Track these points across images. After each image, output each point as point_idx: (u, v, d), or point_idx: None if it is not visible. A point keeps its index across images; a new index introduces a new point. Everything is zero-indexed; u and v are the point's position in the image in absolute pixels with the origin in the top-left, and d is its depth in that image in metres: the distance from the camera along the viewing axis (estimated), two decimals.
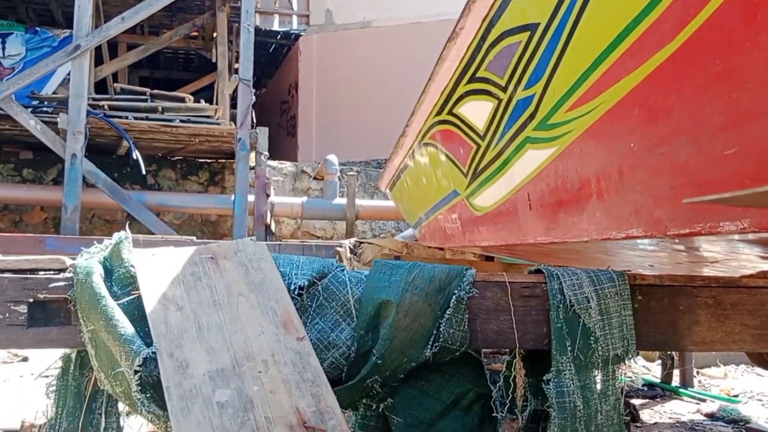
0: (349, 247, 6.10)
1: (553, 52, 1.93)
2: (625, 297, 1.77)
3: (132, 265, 1.52)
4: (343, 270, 1.70)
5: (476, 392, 1.83)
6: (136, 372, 1.32)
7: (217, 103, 9.65)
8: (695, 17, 1.31)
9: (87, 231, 8.11)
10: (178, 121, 7.65)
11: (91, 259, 1.51)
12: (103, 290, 1.42)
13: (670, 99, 1.43)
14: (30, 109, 7.63)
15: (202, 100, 8.41)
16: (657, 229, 1.61)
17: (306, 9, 12.46)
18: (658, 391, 4.49)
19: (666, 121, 1.47)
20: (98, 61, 10.04)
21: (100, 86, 9.80)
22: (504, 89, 2.34)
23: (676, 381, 4.72)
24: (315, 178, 9.21)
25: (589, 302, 1.75)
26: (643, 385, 4.64)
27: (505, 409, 1.82)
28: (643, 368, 5.22)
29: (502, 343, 1.76)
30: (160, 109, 7.71)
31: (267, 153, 8.05)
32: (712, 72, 1.30)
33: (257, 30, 11.92)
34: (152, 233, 7.36)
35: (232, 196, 7.65)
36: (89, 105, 7.36)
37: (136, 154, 7.23)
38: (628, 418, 3.92)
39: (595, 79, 1.73)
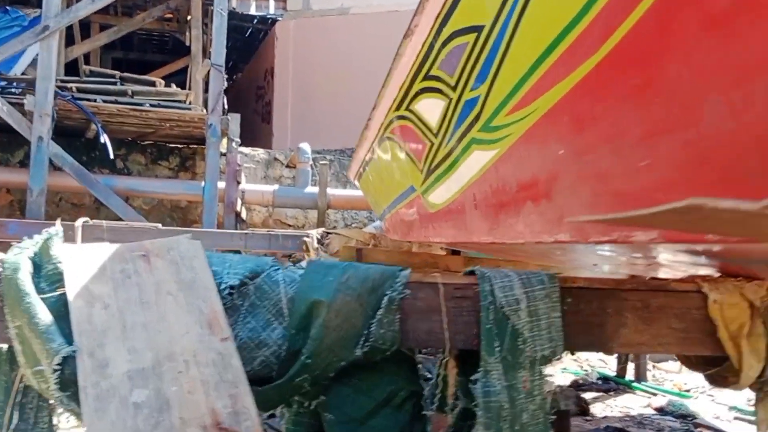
0: (317, 237, 6.12)
1: (495, 54, 1.96)
2: (554, 299, 1.81)
3: (60, 262, 1.53)
4: (277, 270, 1.72)
5: (408, 390, 1.86)
6: (54, 370, 1.34)
7: (190, 88, 9.58)
8: (615, 32, 1.34)
9: (54, 214, 8.02)
10: (148, 105, 7.58)
11: (20, 255, 1.51)
12: (28, 287, 1.43)
13: (592, 109, 1.46)
14: None
15: (174, 85, 8.33)
16: (581, 236, 1.65)
17: None
18: (612, 385, 4.57)
19: (588, 131, 1.50)
20: (69, 41, 9.92)
21: (72, 67, 9.68)
22: (454, 88, 2.36)
23: (631, 374, 4.81)
24: (288, 166, 9.19)
25: (518, 304, 1.78)
26: (597, 379, 4.72)
27: (435, 407, 1.86)
28: (600, 361, 5.31)
29: (433, 343, 1.79)
30: (129, 92, 7.64)
31: (238, 140, 8.02)
32: (628, 85, 1.33)
33: (233, 14, 11.83)
34: (120, 219, 7.32)
35: (202, 183, 7.62)
36: (57, 87, 7.26)
37: (104, 138, 7.17)
38: (577, 409, 4.00)
39: (531, 84, 1.76)
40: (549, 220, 1.75)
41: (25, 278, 1.44)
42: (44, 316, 1.39)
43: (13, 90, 7.84)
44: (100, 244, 1.65)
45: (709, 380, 1.99)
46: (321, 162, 8.24)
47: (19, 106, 7.13)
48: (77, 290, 1.46)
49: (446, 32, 2.33)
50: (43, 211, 7.18)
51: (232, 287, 1.60)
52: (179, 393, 1.32)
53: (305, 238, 5.94)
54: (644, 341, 1.87)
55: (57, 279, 1.50)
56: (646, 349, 1.87)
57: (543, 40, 1.65)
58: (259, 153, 9.04)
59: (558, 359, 1.84)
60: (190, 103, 8.14)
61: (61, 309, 1.44)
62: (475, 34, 2.10)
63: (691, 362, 2.09)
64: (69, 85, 7.51)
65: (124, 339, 1.38)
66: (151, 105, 7.61)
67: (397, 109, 3.22)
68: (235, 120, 7.91)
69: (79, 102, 7.33)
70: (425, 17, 2.48)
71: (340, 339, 1.66)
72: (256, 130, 12.80)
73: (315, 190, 8.22)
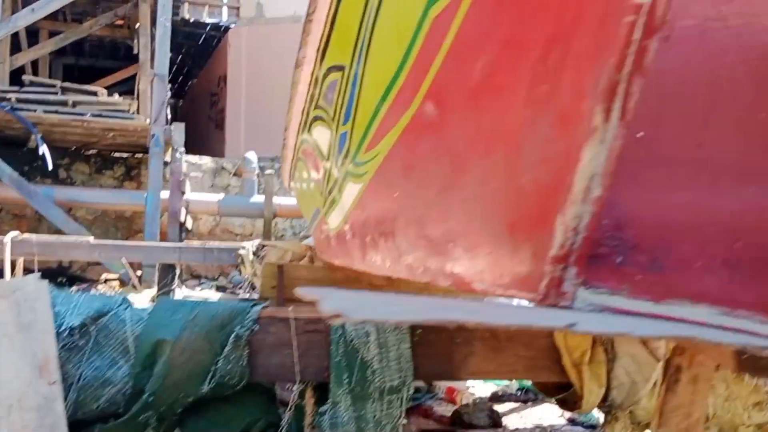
0: (252, 250, 6.14)
1: (354, 94, 2.03)
2: (403, 331, 1.88)
3: None
4: (127, 308, 1.76)
5: (266, 421, 1.92)
6: None
7: (138, 96, 9.54)
8: (417, 94, 1.42)
9: None
10: (89, 115, 7.55)
11: None
12: None
13: (409, 158, 1.54)
14: None
15: (117, 94, 8.29)
16: (412, 274, 1.72)
17: (236, 1, 12.37)
18: (530, 396, 4.67)
19: (407, 178, 1.57)
20: (16, 48, 9.81)
21: (19, 75, 9.57)
22: (333, 120, 2.43)
23: None
24: (235, 175, 9.19)
25: (368, 337, 1.85)
26: (517, 390, 4.81)
27: None
28: None
29: (284, 377, 1.85)
30: (70, 102, 7.59)
31: (183, 149, 8.00)
32: (427, 143, 1.40)
33: (186, 21, 11.80)
34: (60, 230, 7.28)
35: (146, 193, 7.60)
36: None
37: (42, 149, 7.12)
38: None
39: (377, 126, 1.83)
40: (392, 257, 1.82)
41: None
42: None
43: None
44: None
45: (559, 404, 2.08)
46: (267, 171, 8.26)
47: None
48: None
49: (325, 66, 2.40)
50: None
51: (72, 328, 1.64)
52: None
53: (240, 251, 5.95)
54: (493, 369, 1.95)
55: None
56: (494, 377, 1.95)
57: (380, 86, 1.72)
58: (207, 162, 9.03)
59: (408, 389, 1.91)
60: (134, 113, 8.12)
61: None
62: (341, 72, 2.17)
63: (545, 388, 2.18)
64: (8, 95, 7.44)
65: None
66: (93, 115, 7.58)
67: (301, 132, 3.29)
68: (179, 130, 7.89)
69: (17, 113, 7.27)
70: (309, 49, 2.55)
71: (186, 376, 1.71)
72: (210, 136, 12.76)
73: (261, 199, 8.23)
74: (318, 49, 2.40)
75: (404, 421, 1.93)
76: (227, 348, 1.73)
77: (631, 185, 1.00)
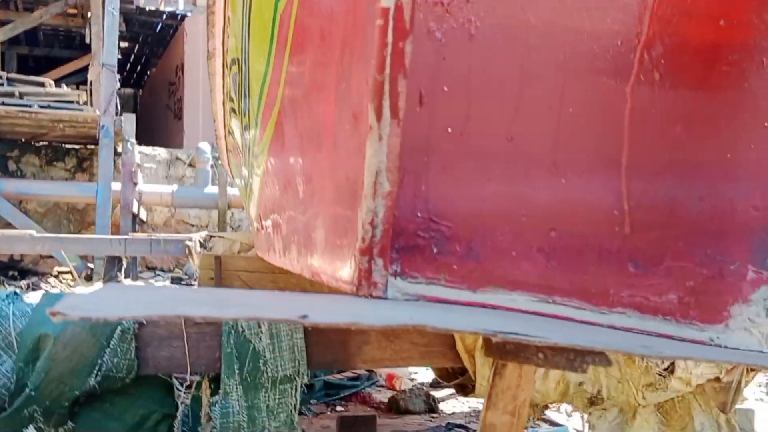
0: (199, 241, 6.10)
1: (246, 87, 2.04)
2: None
3: None
4: (11, 303, 1.76)
5: (161, 413, 1.93)
6: None
7: (90, 87, 9.41)
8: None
9: None
10: (36, 106, 7.44)
11: None
12: None
13: (279, 150, 1.56)
14: None
15: (64, 86, 8.18)
16: (293, 268, 1.74)
17: None
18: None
19: (280, 170, 1.60)
20: None
21: None
22: (239, 112, 2.44)
23: None
24: (190, 165, 9.12)
25: (260, 327, 1.87)
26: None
27: (189, 427, 1.94)
28: None
29: (174, 369, 1.86)
30: (17, 93, 7.47)
31: (134, 140, 7.92)
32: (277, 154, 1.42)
33: (141, 10, 11.64)
34: (9, 223, 7.19)
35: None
36: None
37: None
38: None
39: (261, 118, 1.84)
40: (281, 251, 1.84)
41: None
42: None
43: None
44: None
45: (457, 389, 2.12)
46: (219, 162, 8.21)
47: None
48: None
49: (228, 58, 2.41)
50: None
51: None
52: None
53: (188, 242, 5.92)
54: (388, 357, 1.98)
55: None
56: (390, 364, 1.99)
57: (258, 79, 1.74)
58: (161, 152, 8.95)
59: (302, 378, 1.93)
60: (84, 103, 8.02)
61: None
62: (238, 65, 2.18)
63: (443, 374, 2.22)
64: None
65: None
66: (41, 106, 7.47)
67: (224, 124, 3.29)
68: (129, 120, 7.81)
69: None
70: (217, 41, 2.54)
71: (69, 370, 1.72)
72: (168, 126, 12.64)
73: (215, 190, 8.19)
74: (222, 42, 2.41)
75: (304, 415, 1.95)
76: (113, 341, 1.74)
77: (445, 178, 1.03)
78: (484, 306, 1.05)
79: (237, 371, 1.84)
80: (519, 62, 1.01)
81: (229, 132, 3.25)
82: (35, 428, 1.81)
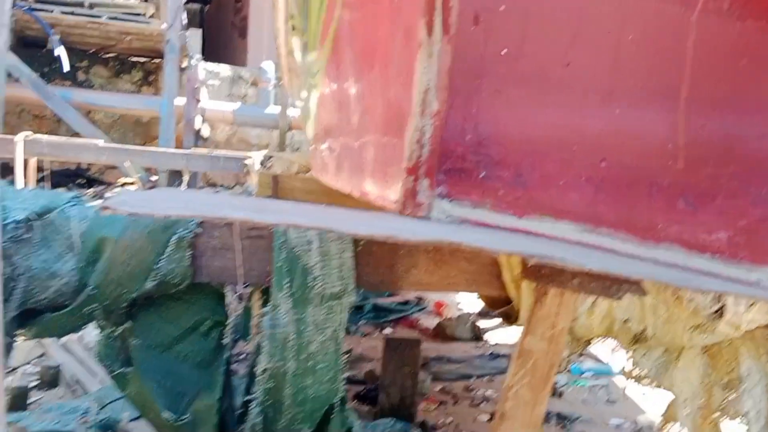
0: (259, 160, 6.20)
1: (307, 5, 2.02)
2: (346, 241, 1.94)
3: None
4: (74, 205, 1.84)
5: (213, 320, 2.02)
6: None
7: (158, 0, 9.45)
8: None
9: (16, 125, 8.09)
10: (106, 17, 7.53)
11: None
12: None
13: (335, 69, 1.55)
14: None
15: None
16: (345, 187, 1.75)
17: None
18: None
19: (336, 87, 1.59)
20: None
21: None
22: (298, 30, 2.43)
23: None
24: (253, 84, 9.17)
25: (310, 244, 1.91)
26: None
27: (239, 336, 2.02)
28: None
29: (226, 278, 1.93)
30: (87, 3, 7.57)
31: (199, 56, 7.97)
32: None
33: None
34: (77, 133, 7.41)
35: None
36: None
37: (57, 50, 7.16)
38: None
39: (319, 34, 1.83)
40: (335, 170, 1.86)
41: None
42: None
43: None
44: None
45: (502, 318, 2.14)
46: (281, 82, 8.22)
47: None
48: None
49: None
50: (1, 122, 7.23)
51: (18, 221, 1.72)
52: None
53: (247, 161, 6.02)
54: (435, 281, 2.00)
55: None
56: (436, 288, 2.01)
57: (315, 5, 1.72)
58: (224, 70, 9.00)
59: (350, 296, 1.98)
60: (151, 17, 8.07)
61: None
62: None
63: (489, 301, 2.24)
64: None
65: None
66: (109, 18, 7.56)
67: (286, 43, 3.28)
68: (195, 35, 7.85)
69: (35, 13, 7.28)
70: None
71: (127, 273, 1.80)
72: (233, 44, 12.66)
73: (276, 110, 8.23)
74: None
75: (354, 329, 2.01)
76: (169, 248, 1.81)
77: (497, 101, 1.02)
78: (528, 233, 1.04)
79: (287, 286, 1.89)
80: None
81: (290, 51, 3.24)
82: (96, 326, 1.92)
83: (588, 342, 2.19)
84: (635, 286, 0.82)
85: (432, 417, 2.88)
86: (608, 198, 1.05)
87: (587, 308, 2.03)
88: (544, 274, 0.97)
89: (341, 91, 1.56)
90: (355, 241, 1.95)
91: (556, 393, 3.22)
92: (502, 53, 0.97)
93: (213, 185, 9.06)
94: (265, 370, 1.90)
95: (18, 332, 1.80)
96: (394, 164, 1.02)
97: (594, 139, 1.04)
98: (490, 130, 1.01)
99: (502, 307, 2.17)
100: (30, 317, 1.82)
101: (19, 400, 2.58)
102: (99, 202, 1.85)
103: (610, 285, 0.84)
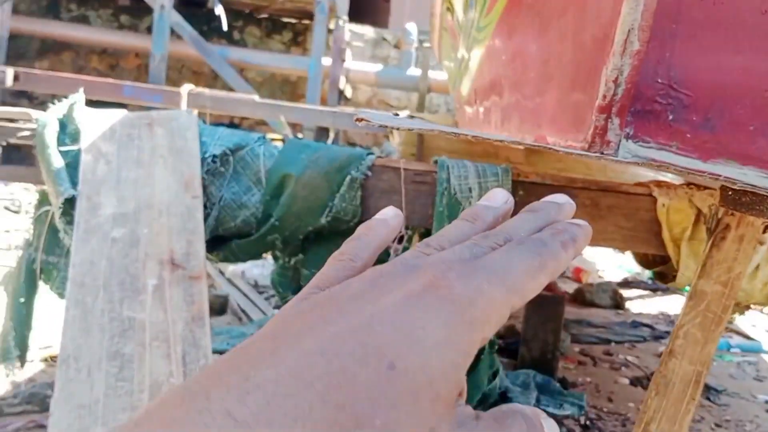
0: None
1: None
2: (505, 189, 2.01)
3: (80, 123, 1.90)
4: (261, 144, 2.02)
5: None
6: (60, 207, 1.73)
7: None
8: None
9: (176, 80, 8.71)
10: None
11: (49, 115, 1.90)
12: (50, 140, 1.81)
13: (512, 18, 1.61)
14: None
15: None
16: (513, 135, 1.81)
17: None
18: (660, 286, 4.66)
19: (512, 38, 1.65)
20: None
21: None
22: None
23: None
24: (395, 47, 9.31)
25: (471, 192, 2.00)
26: (649, 278, 4.81)
27: None
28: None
29: None
30: None
31: (346, 17, 8.20)
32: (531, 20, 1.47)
33: None
34: (231, 89, 7.86)
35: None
36: None
37: (218, 9, 7.60)
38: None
39: None
40: (499, 121, 1.93)
41: (50, 134, 1.83)
42: (58, 164, 1.78)
43: None
44: (118, 112, 2.01)
45: (656, 277, 2.15)
46: (425, 44, 8.30)
47: None
48: (89, 147, 1.83)
49: None
50: (164, 77, 7.79)
51: (215, 156, 1.92)
52: (149, 234, 1.68)
53: None
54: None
55: (77, 137, 1.88)
56: (592, 243, 2.05)
57: None
58: (368, 32, 9.20)
59: None
60: None
61: (74, 161, 1.83)
62: None
63: (644, 259, 2.24)
64: None
65: (116, 189, 1.75)
66: None
67: (443, 0, 3.34)
68: None
69: None
70: None
71: (306, 208, 1.96)
72: (376, 7, 12.84)
73: (417, 72, 8.35)
74: None
75: None
76: (343, 188, 1.96)
77: (691, 46, 1.05)
78: (712, 175, 1.08)
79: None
80: None
81: (448, 8, 3.31)
82: (273, 255, 2.12)
83: (747, 307, 2.15)
84: None
85: (571, 375, 2.93)
86: None
87: (750, 272, 2.00)
88: (743, 203, 1.00)
89: (516, 45, 1.62)
90: (514, 192, 2.02)
91: None
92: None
93: (352, 144, 9.35)
94: None
95: (208, 255, 2.02)
96: (584, 104, 1.08)
97: None
98: (681, 74, 1.05)
99: (656, 266, 2.17)
100: (219, 243, 2.03)
101: None
102: (285, 144, 2.02)
103: None
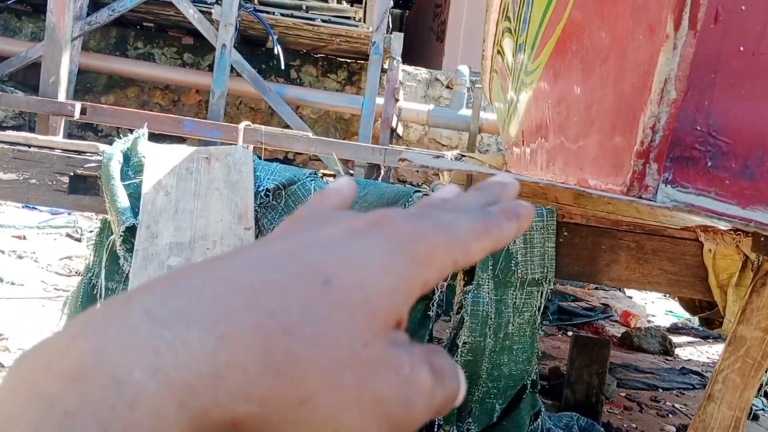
0: (451, 159, 6.41)
1: (530, 2, 2.14)
2: (550, 231, 2.03)
3: (144, 156, 2.01)
4: (312, 180, 2.10)
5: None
6: (120, 236, 1.83)
7: (365, 5, 10.01)
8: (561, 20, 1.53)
9: (234, 116, 8.98)
10: (319, 20, 8.13)
11: (115, 148, 2.01)
12: (114, 172, 1.92)
13: (558, 66, 1.65)
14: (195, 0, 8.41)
15: (345, 2, 8.78)
16: (557, 178, 1.84)
17: None
18: (711, 333, 4.55)
19: (557, 84, 1.69)
20: None
21: None
22: (515, 31, 2.55)
23: None
24: (447, 87, 9.43)
25: None
26: (699, 325, 4.70)
27: (442, 311, 2.19)
28: None
29: None
30: (304, 7, 8.22)
31: (399, 58, 8.36)
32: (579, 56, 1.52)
33: None
34: (288, 125, 8.07)
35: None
36: None
37: (277, 49, 7.85)
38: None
39: (540, 38, 1.94)
40: (545, 164, 1.96)
41: (114, 166, 1.94)
42: (121, 195, 1.88)
43: (208, 0, 8.71)
44: (178, 146, 2.11)
45: (702, 323, 2.13)
46: (477, 85, 8.39)
47: (208, 15, 7.96)
48: (150, 179, 1.93)
49: None
50: (223, 113, 8.04)
51: (268, 190, 2.00)
52: None
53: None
54: (635, 279, 2.04)
55: (139, 169, 1.99)
56: (636, 286, 2.05)
57: (539, 7, 1.83)
58: (421, 72, 9.34)
59: (549, 284, 2.07)
60: (359, 20, 8.59)
61: (136, 192, 1.93)
62: None
63: (690, 305, 2.22)
64: None
65: (174, 219, 1.84)
66: (323, 20, 8.15)
67: (495, 44, 3.41)
68: (397, 39, 8.24)
69: (259, 14, 8.04)
70: None
71: None
72: (430, 47, 13.04)
73: (468, 112, 8.43)
74: None
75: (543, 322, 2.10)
76: None
77: (729, 95, 1.08)
78: (751, 221, 1.10)
79: (490, 267, 2.02)
80: None
81: (498, 51, 3.37)
82: None
83: None
84: None
85: (616, 420, 2.88)
86: None
87: None
88: None
89: (561, 89, 1.67)
90: (558, 233, 2.04)
91: (751, 415, 3.08)
92: (739, 49, 1.03)
93: (403, 182, 9.44)
94: (465, 344, 2.04)
95: None
96: (624, 149, 1.12)
97: None
98: (720, 122, 1.08)
99: (702, 312, 2.15)
100: None
101: None
102: (334, 181, 2.08)
103: None
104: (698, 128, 1.08)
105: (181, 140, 7.40)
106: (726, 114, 1.08)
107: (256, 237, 1.96)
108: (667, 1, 0.91)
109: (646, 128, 1.00)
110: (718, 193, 1.10)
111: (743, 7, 1.02)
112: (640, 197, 1.09)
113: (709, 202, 1.10)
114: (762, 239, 1.05)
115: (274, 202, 2.04)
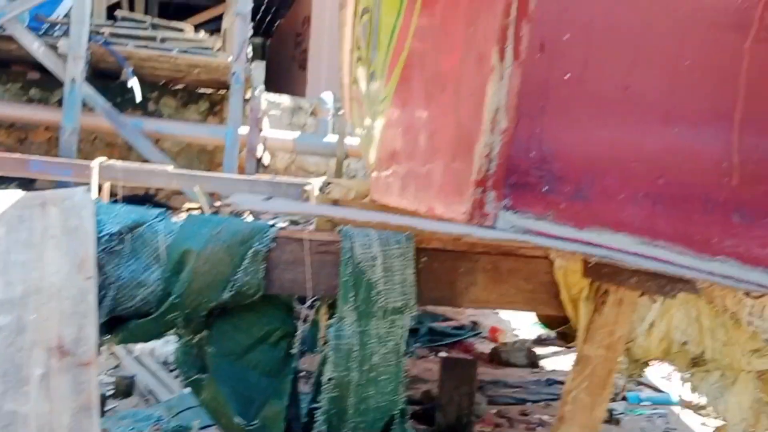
0: (318, 187, 6.38)
1: (376, 34, 2.15)
2: (408, 258, 2.03)
3: None
4: (162, 220, 1.99)
5: (284, 330, 2.13)
6: None
7: (224, 34, 9.85)
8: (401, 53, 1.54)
9: (89, 153, 8.50)
10: (176, 51, 7.89)
11: None
12: None
13: (404, 95, 1.67)
14: (41, 32, 7.93)
15: (203, 32, 8.61)
16: (410, 206, 1.86)
17: None
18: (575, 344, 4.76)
19: (404, 113, 1.71)
20: None
21: (114, 10, 10.03)
22: (364, 60, 2.56)
23: None
24: (312, 114, 9.43)
25: (375, 260, 2.01)
26: None
27: (304, 346, 2.13)
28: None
29: (297, 290, 2.05)
30: (159, 38, 7.96)
31: (262, 87, 8.28)
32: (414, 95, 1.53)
33: None
34: (146, 160, 7.74)
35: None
36: (91, 31, 7.62)
37: (131, 82, 7.53)
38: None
39: (389, 63, 1.96)
40: (399, 190, 1.97)
41: None
42: None
43: (56, 33, 8.24)
44: (9, 192, 1.94)
45: (560, 337, 2.19)
46: (340, 112, 8.44)
47: (55, 49, 7.52)
48: None
49: (359, 8, 2.52)
50: (76, 149, 7.58)
51: (111, 234, 1.88)
52: (36, 320, 1.61)
53: (306, 187, 6.20)
54: (492, 299, 2.08)
55: None
56: (493, 306, 2.10)
57: (389, 27, 1.84)
58: (285, 100, 9.30)
59: (411, 311, 2.07)
60: (218, 50, 8.42)
61: None
62: (369, 14, 2.29)
63: (548, 321, 2.29)
64: (102, 29, 7.87)
65: (4, 274, 1.68)
66: (180, 51, 7.92)
67: (350, 73, 3.43)
68: (259, 68, 8.16)
69: (110, 47, 7.69)
70: None
71: (207, 283, 1.93)
72: (293, 76, 13.03)
73: (334, 139, 8.45)
74: None
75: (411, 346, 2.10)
76: (246, 261, 1.94)
77: (559, 121, 1.11)
78: (588, 243, 1.13)
79: (352, 299, 1.99)
80: (639, 14, 1.06)
81: (354, 81, 3.39)
82: (176, 333, 2.06)
83: (645, 364, 2.22)
84: (689, 285, 0.89)
85: None
86: (665, 212, 1.13)
87: (645, 329, 2.07)
88: (605, 273, 1.04)
89: (409, 116, 1.67)
90: (417, 259, 2.05)
91: (613, 420, 3.23)
92: (565, 77, 1.06)
93: None
94: (330, 380, 1.99)
95: (106, 338, 1.95)
96: (463, 178, 1.12)
97: (651, 157, 1.12)
98: (553, 148, 1.10)
99: (560, 327, 2.22)
100: (117, 324, 1.96)
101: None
102: (185, 220, 1.99)
103: (665, 284, 0.91)
104: (532, 155, 1.10)
105: (29, 182, 6.92)
106: (558, 140, 1.11)
107: (101, 286, 1.83)
108: (492, 32, 0.92)
109: (481, 157, 1.01)
110: (555, 217, 1.12)
111: (567, 37, 1.05)
112: (482, 224, 1.10)
113: (547, 225, 1.12)
114: (589, 265, 1.08)
115: (119, 247, 1.91)
